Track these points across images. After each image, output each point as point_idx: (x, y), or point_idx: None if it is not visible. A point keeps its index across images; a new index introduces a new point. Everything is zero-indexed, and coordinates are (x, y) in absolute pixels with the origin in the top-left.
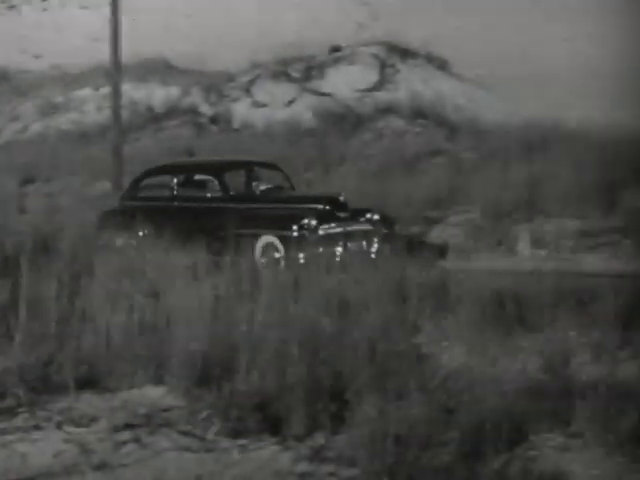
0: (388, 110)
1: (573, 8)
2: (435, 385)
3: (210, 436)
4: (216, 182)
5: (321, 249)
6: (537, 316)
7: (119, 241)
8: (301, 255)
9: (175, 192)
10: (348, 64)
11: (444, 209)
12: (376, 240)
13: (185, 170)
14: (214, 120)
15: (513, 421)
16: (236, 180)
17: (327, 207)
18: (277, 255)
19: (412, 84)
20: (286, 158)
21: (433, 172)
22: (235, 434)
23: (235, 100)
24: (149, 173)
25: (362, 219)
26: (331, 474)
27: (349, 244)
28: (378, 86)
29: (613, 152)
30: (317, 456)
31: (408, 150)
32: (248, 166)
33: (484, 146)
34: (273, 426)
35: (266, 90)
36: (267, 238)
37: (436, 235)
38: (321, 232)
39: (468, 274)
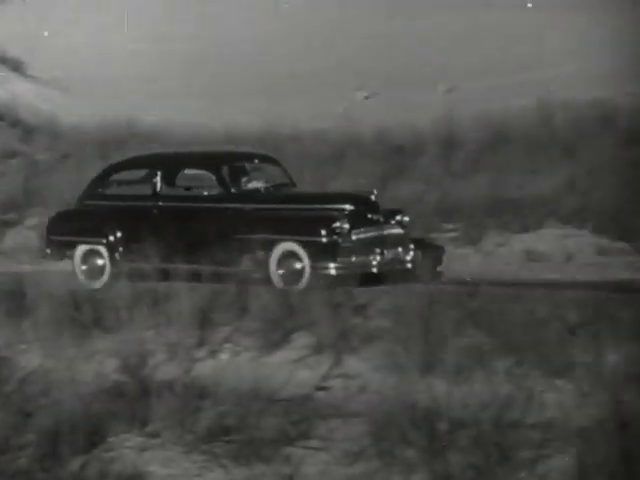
0: None
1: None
2: (11, 389)
3: None
4: (213, 177)
5: (354, 258)
6: (114, 317)
7: (81, 247)
8: (332, 265)
9: (159, 189)
10: None
11: (20, 212)
12: (412, 246)
13: (171, 163)
14: None
15: (91, 423)
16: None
17: (357, 208)
18: (299, 265)
19: None
20: None
21: (8, 174)
22: None
23: None
24: (121, 166)
25: (393, 222)
26: None
27: (385, 252)
28: None
29: None
30: None
31: None
32: (248, 158)
33: (60, 147)
34: None
35: None
36: (286, 245)
37: (11, 239)
38: (354, 237)
39: (44, 276)
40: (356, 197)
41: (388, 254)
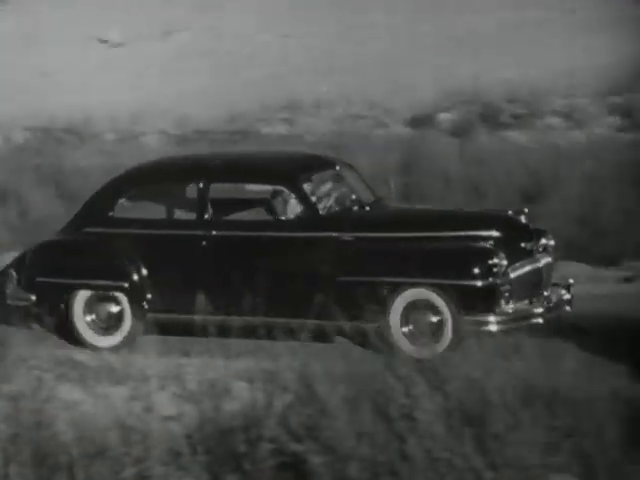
0: None
1: None
2: None
3: None
4: (291, 195)
5: (512, 305)
6: None
7: (82, 293)
8: (492, 318)
9: (209, 213)
10: None
11: None
12: (571, 281)
13: (225, 174)
14: None
15: None
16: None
17: (507, 234)
18: (435, 319)
19: None
20: None
21: None
22: None
23: None
24: (141, 178)
25: (540, 248)
26: None
27: (548, 293)
28: None
29: None
30: None
31: None
32: (328, 165)
33: None
34: None
35: None
36: (415, 292)
37: None
38: (512, 276)
39: None
40: (504, 219)
41: (552, 295)
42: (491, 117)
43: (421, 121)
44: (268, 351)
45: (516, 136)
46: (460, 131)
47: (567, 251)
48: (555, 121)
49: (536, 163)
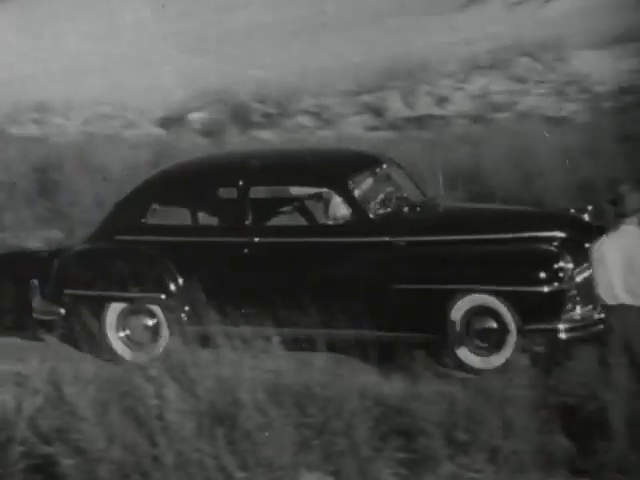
0: None
1: None
2: None
3: None
4: (336, 198)
5: (579, 310)
6: None
7: (115, 306)
8: (560, 326)
9: (249, 219)
10: None
11: None
12: None
13: (265, 176)
14: None
15: None
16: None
17: (571, 235)
18: (496, 327)
19: None
20: None
21: None
22: None
23: None
24: (173, 181)
25: None
26: None
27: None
28: None
29: None
30: None
31: None
32: (375, 163)
33: None
34: None
35: None
36: (476, 298)
37: None
38: (578, 280)
39: None
40: (568, 219)
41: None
42: (242, 117)
43: (172, 121)
44: (17, 354)
45: (267, 135)
46: (211, 131)
47: None
48: (305, 120)
49: None
